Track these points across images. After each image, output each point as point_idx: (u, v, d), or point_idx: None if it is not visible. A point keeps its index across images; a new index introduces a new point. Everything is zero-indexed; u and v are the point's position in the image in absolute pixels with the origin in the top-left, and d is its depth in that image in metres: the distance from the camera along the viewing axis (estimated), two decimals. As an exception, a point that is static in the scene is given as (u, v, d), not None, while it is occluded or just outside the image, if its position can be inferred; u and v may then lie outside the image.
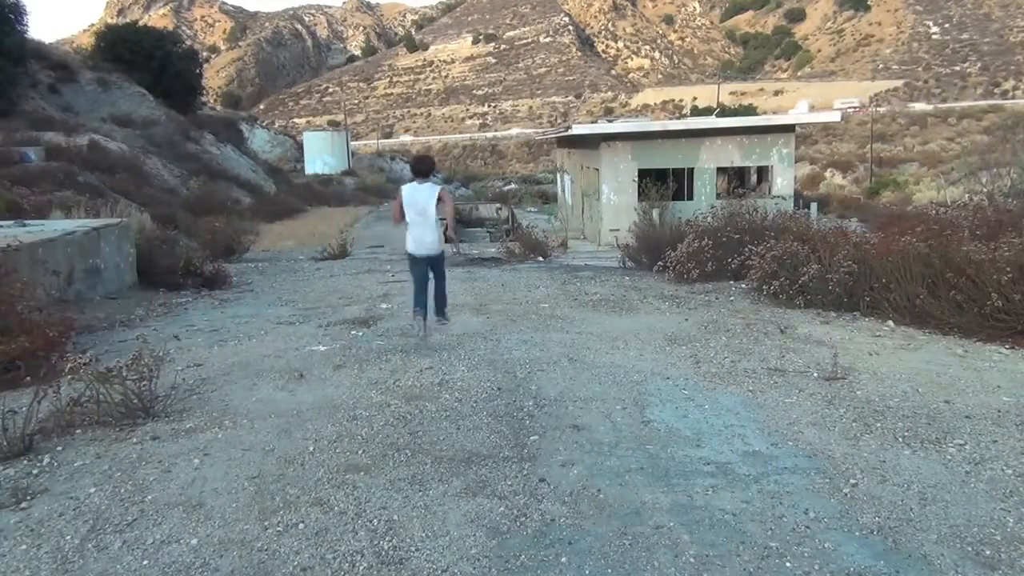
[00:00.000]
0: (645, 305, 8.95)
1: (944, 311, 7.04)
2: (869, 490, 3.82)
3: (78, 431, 4.79)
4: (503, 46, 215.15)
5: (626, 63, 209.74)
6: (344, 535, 3.46)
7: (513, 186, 59.00)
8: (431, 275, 7.29)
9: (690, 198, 22.13)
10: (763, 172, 23.44)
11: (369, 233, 25.02)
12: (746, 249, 9.86)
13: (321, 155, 58.90)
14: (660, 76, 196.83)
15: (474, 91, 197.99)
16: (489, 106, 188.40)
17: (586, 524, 3.51)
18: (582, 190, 26.04)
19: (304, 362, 6.49)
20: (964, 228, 8.45)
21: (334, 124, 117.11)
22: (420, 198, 7.10)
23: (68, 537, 3.50)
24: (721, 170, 23.09)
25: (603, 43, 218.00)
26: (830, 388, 5.45)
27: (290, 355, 6.78)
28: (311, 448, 4.49)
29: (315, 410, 5.18)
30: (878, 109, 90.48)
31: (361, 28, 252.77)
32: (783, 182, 22.74)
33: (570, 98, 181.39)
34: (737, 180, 23.63)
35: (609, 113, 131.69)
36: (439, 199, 7.09)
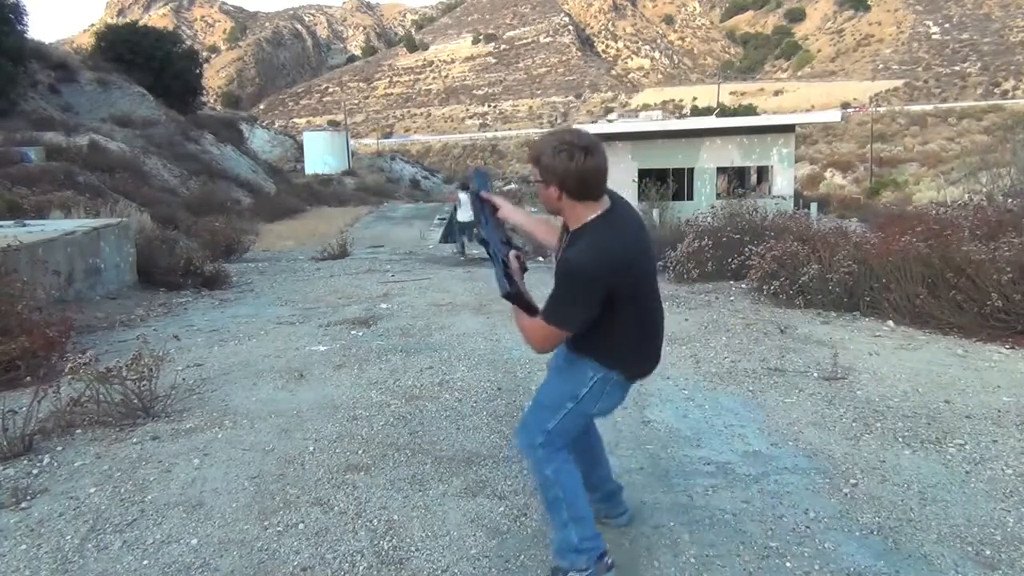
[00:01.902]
0: (645, 305, 8.94)
1: (944, 311, 7.04)
2: (869, 490, 3.82)
3: (78, 431, 4.79)
4: (503, 46, 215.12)
5: (626, 63, 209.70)
6: (344, 535, 3.46)
7: (513, 186, 59.00)
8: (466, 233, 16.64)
9: (690, 198, 22.17)
10: (763, 172, 23.46)
11: (369, 233, 25.02)
12: (746, 249, 9.86)
13: (321, 155, 58.86)
14: (660, 76, 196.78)
15: (474, 91, 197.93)
16: (489, 106, 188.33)
17: (586, 524, 3.50)
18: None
19: (304, 362, 6.49)
20: (964, 228, 8.44)
21: (334, 124, 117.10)
22: (465, 198, 15.96)
23: (68, 537, 3.49)
24: (721, 170, 23.12)
25: (603, 43, 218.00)
26: (830, 388, 5.45)
27: (290, 355, 6.78)
28: (311, 448, 4.49)
29: (315, 410, 5.18)
30: (878, 109, 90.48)
31: (361, 28, 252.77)
32: (783, 182, 22.77)
33: (570, 98, 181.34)
34: (737, 180, 23.65)
35: (609, 113, 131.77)
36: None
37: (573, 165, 2.53)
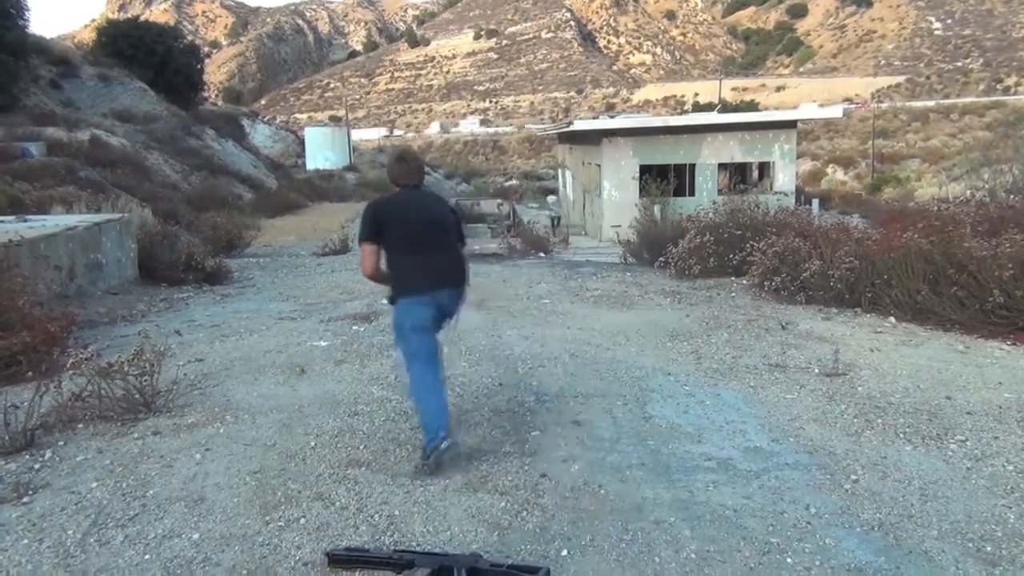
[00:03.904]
0: (646, 301, 8.94)
1: (946, 307, 7.03)
2: (870, 486, 3.83)
3: (80, 426, 4.80)
4: (504, 42, 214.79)
5: (628, 59, 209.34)
6: (345, 530, 3.47)
7: (514, 182, 58.88)
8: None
9: (691, 194, 22.12)
10: (765, 168, 23.41)
11: (370, 229, 24.95)
12: (747, 245, 9.85)
13: (322, 150, 58.74)
14: (662, 72, 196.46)
15: (475, 87, 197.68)
16: (491, 102, 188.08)
17: (587, 519, 3.51)
18: (583, 186, 26.01)
19: (305, 357, 6.49)
20: (966, 224, 8.44)
21: (335, 120, 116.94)
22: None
23: (70, 531, 3.50)
24: (722, 166, 23.07)
25: (605, 39, 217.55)
26: (831, 384, 5.45)
27: (291, 350, 6.79)
28: (312, 443, 4.49)
29: (316, 405, 5.18)
30: (880, 105, 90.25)
31: (362, 23, 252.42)
32: (785, 178, 22.73)
33: (572, 94, 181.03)
34: (738, 176, 23.61)
35: (611, 109, 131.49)
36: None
37: (389, 169, 4.49)
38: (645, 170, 22.07)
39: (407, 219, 4.16)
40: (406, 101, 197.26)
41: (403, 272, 4.15)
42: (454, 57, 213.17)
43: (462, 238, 4.47)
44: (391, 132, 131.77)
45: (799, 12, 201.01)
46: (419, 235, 4.14)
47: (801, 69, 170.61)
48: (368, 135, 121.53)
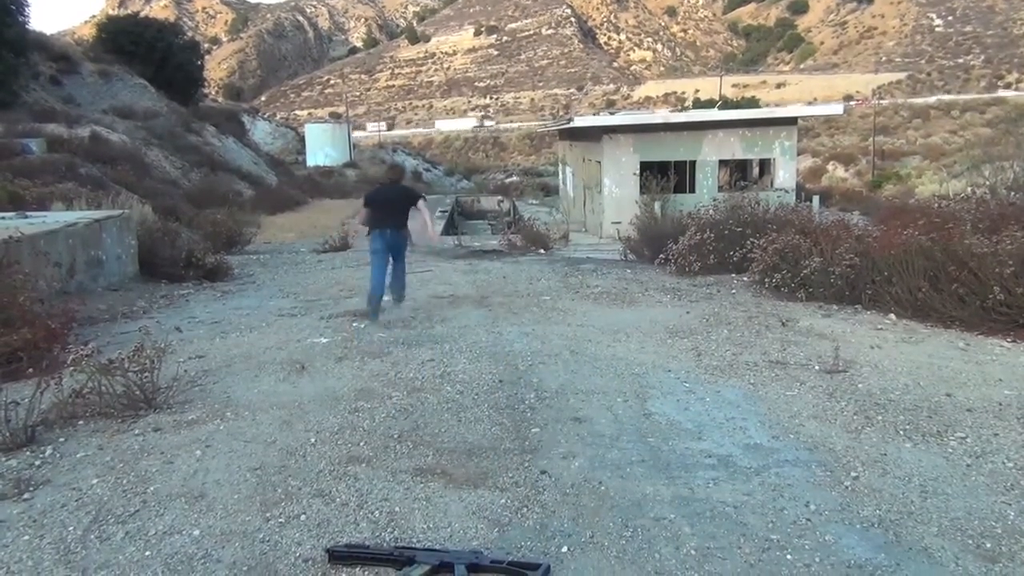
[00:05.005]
0: (647, 298, 8.94)
1: (946, 304, 7.03)
2: (870, 483, 3.83)
3: (80, 422, 4.80)
4: (505, 38, 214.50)
5: (628, 55, 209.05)
6: (346, 526, 3.47)
7: (515, 178, 58.88)
8: None
9: (692, 191, 22.10)
10: (765, 165, 23.39)
11: (371, 225, 24.93)
12: (748, 242, 9.84)
13: (323, 147, 58.73)
14: (662, 68, 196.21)
15: (476, 83, 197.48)
16: (491, 98, 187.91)
17: (587, 516, 3.51)
18: (584, 183, 25.99)
19: (306, 354, 6.50)
20: (967, 221, 8.42)
21: (336, 116, 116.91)
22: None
23: (71, 528, 3.51)
24: (723, 163, 23.05)
25: (605, 35, 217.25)
26: (831, 381, 5.45)
27: (292, 347, 6.79)
28: (313, 440, 4.50)
29: (317, 402, 5.19)
30: (880, 102, 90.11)
31: (363, 20, 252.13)
32: (785, 175, 22.70)
33: (572, 90, 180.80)
34: (739, 173, 23.59)
35: (611, 105, 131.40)
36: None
37: (385, 172, 9.63)
38: (646, 167, 22.03)
39: (379, 199, 8.23)
40: (406, 98, 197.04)
41: (372, 221, 8.10)
42: (454, 54, 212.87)
43: (415, 202, 8.15)
44: (482, 124, 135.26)
45: (800, 9, 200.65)
46: (384, 206, 8.12)
47: (802, 66, 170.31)
48: (455, 126, 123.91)
